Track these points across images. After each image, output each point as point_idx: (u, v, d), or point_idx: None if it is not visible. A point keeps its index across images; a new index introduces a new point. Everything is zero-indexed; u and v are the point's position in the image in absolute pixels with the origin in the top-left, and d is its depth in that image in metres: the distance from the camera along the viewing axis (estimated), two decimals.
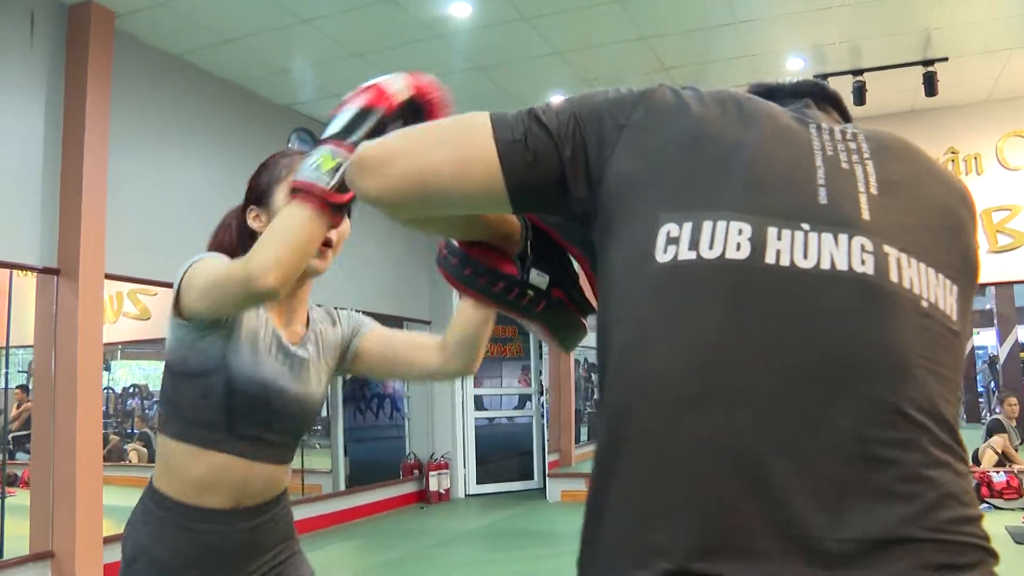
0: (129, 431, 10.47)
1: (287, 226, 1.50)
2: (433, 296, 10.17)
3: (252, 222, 1.82)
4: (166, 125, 6.68)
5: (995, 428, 9.00)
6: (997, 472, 7.92)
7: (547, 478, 9.93)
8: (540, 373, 10.78)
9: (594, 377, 15.56)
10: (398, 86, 1.50)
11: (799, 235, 0.89)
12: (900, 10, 6.53)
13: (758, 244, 0.88)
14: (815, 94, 1.13)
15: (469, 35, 6.68)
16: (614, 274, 0.95)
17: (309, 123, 8.21)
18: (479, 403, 10.65)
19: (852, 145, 1.00)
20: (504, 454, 11.13)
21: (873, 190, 0.95)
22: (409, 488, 9.70)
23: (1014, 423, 9.35)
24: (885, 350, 0.85)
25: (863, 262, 0.88)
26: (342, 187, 1.48)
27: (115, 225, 5.97)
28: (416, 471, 9.81)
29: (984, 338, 15.41)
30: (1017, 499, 7.54)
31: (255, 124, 7.54)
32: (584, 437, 13.64)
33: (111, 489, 6.26)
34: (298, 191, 1.51)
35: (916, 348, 0.86)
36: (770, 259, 0.88)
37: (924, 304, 0.89)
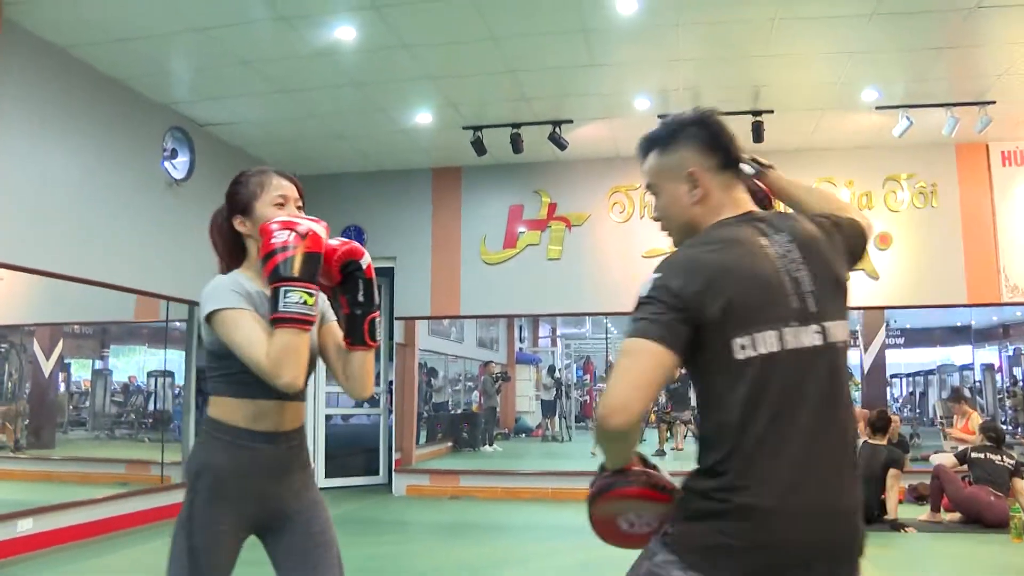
0: None
1: (294, 344, 2.11)
2: None
3: (239, 227, 2.38)
4: (48, 116, 6.82)
5: None
6: None
7: (393, 473, 10.40)
8: (387, 374, 11.23)
9: (433, 382, 16.13)
10: (322, 234, 2.19)
11: (788, 331, 1.68)
12: (736, 67, 7.47)
13: (778, 340, 1.67)
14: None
15: (352, 56, 7.15)
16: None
17: (183, 121, 8.45)
18: (331, 400, 11.00)
19: (792, 255, 1.74)
20: (352, 450, 11.50)
21: (809, 287, 1.73)
22: None
23: None
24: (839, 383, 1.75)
25: (817, 337, 1.71)
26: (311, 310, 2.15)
27: None
28: None
29: None
30: None
31: (133, 120, 7.75)
32: (423, 439, 14.19)
33: None
34: (294, 321, 2.11)
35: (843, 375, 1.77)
36: (784, 347, 1.67)
37: (840, 344, 1.74)
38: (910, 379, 21.34)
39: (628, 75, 7.72)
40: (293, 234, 2.14)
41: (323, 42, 6.85)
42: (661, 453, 13.13)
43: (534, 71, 7.55)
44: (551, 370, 18.45)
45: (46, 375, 11.25)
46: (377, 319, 2.36)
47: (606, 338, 20.50)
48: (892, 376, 21.19)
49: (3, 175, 6.24)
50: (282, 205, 2.33)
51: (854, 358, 14.07)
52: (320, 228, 2.19)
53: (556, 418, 17.51)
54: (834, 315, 1.74)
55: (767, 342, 1.65)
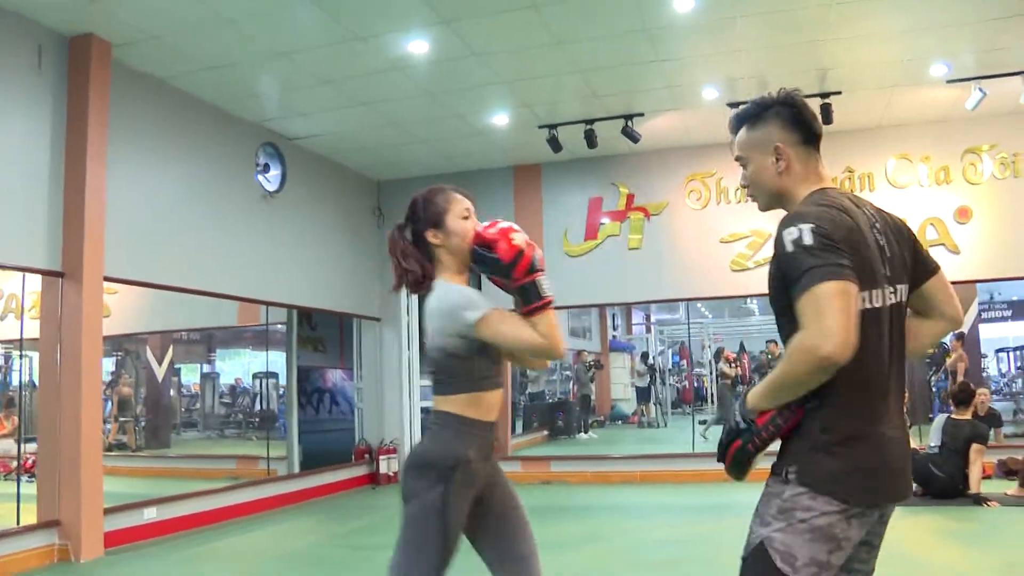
0: None
1: (555, 320, 2.48)
2: (383, 295, 11.02)
3: (432, 239, 2.63)
4: (155, 142, 7.45)
5: None
6: None
7: None
8: None
9: (528, 372, 16.51)
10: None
11: (885, 290, 2.00)
12: (800, 51, 7.58)
13: (880, 297, 1.98)
14: None
15: (426, 68, 7.55)
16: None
17: (274, 137, 9.00)
18: (425, 394, 11.45)
19: (876, 225, 2.05)
20: None
21: (889, 253, 2.04)
22: (361, 471, 10.52)
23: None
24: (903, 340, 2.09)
25: (892, 296, 2.02)
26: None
27: (113, 233, 6.72)
28: (367, 455, 10.64)
29: None
30: None
31: (228, 139, 8.34)
32: (520, 429, 14.55)
33: None
34: (550, 303, 2.48)
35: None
36: (884, 303, 2.00)
37: (906, 303, 2.10)
38: (1017, 353, 20.65)
39: (693, 68, 7.90)
40: (522, 234, 2.52)
41: (396, 56, 7.26)
42: None
43: (601, 70, 7.82)
44: (644, 357, 18.61)
45: (159, 380, 12.04)
46: (540, 279, 2.50)
47: (686, 323, 20.46)
48: (999, 351, 20.71)
49: (115, 198, 6.84)
50: (467, 218, 2.63)
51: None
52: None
53: (651, 404, 17.66)
54: (901, 279, 2.08)
55: (874, 297, 1.96)
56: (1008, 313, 19.70)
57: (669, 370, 21.30)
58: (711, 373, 19.23)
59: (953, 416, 7.76)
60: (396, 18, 6.65)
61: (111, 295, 9.53)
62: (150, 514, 7.16)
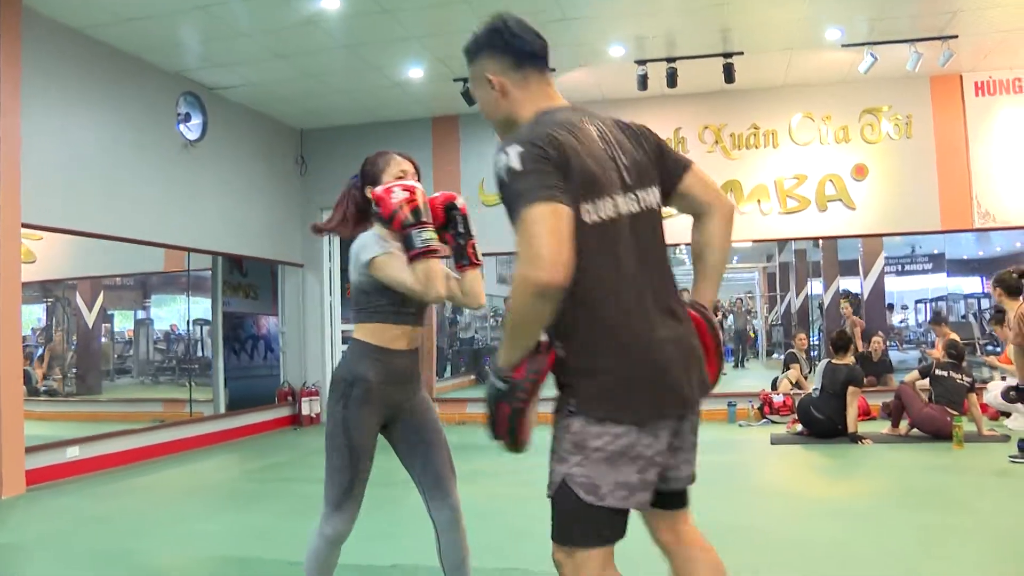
0: None
1: (433, 268, 2.77)
2: (305, 241, 11.28)
3: (370, 195, 2.98)
4: (72, 91, 7.59)
5: (790, 360, 10.76)
6: (776, 394, 9.66)
7: None
8: None
9: (458, 319, 16.90)
10: (420, 189, 2.84)
11: (619, 199, 1.96)
12: (706, 11, 7.93)
13: (612, 207, 1.94)
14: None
15: (339, 22, 7.77)
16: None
17: (195, 87, 9.14)
18: (346, 337, 11.76)
19: (610, 136, 2.04)
20: None
21: (626, 162, 2.02)
22: (283, 412, 10.90)
23: (804, 355, 11.15)
24: (657, 238, 2.07)
25: (634, 204, 1.99)
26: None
27: (29, 181, 6.90)
28: (290, 397, 11.00)
29: (814, 286, 17.33)
30: (788, 415, 9.25)
31: (148, 88, 8.48)
32: (448, 372, 14.95)
33: None
34: (428, 252, 2.76)
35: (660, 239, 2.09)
36: (619, 212, 1.95)
37: (654, 207, 2.06)
38: (932, 304, 21.46)
39: (600, 26, 8.22)
40: (405, 192, 2.79)
41: (311, 11, 7.50)
42: None
43: None
44: None
45: (89, 326, 12.17)
46: (476, 244, 2.99)
47: None
48: (918, 302, 21.55)
49: (35, 149, 7.01)
50: (401, 178, 2.94)
51: (854, 285, 14.58)
52: (419, 186, 2.85)
53: None
54: (646, 184, 2.05)
55: (603, 208, 1.92)
56: (929, 266, 20.48)
57: None
58: None
59: (833, 361, 8.30)
60: None
61: (36, 241, 9.67)
62: (72, 453, 7.45)
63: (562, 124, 1.97)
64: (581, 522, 1.97)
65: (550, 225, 1.77)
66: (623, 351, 1.92)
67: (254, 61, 8.57)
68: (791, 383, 10.23)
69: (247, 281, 11.43)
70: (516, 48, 2.13)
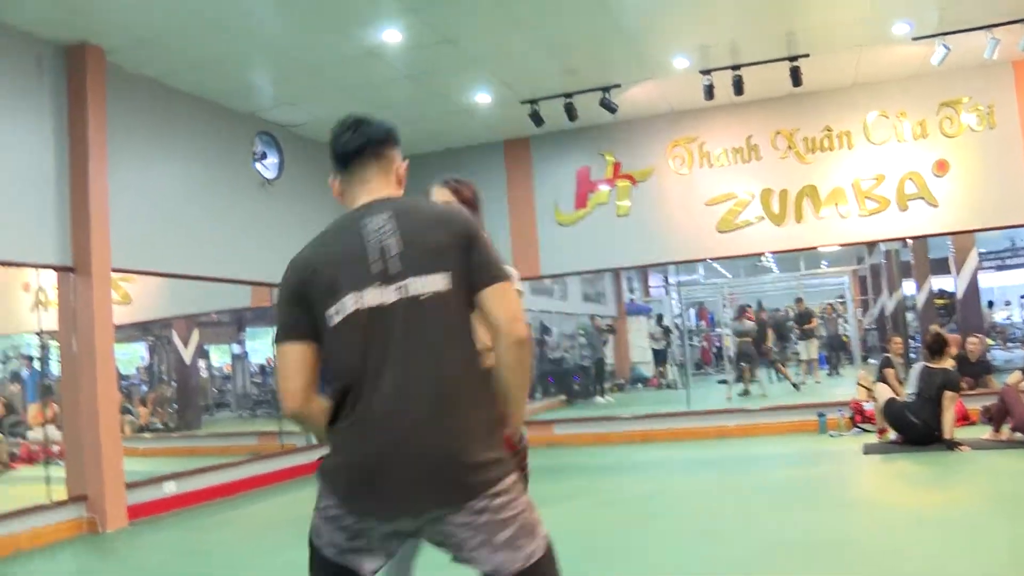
0: None
1: None
2: None
3: None
4: (152, 138, 7.94)
5: (884, 365, 10.42)
6: (867, 402, 9.38)
7: None
8: None
9: (547, 339, 16.93)
10: None
11: (368, 292, 1.96)
12: (768, 16, 7.84)
13: (354, 302, 1.96)
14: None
15: (401, 54, 7.94)
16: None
17: (269, 126, 9.44)
18: None
19: (386, 227, 2.02)
20: None
21: (398, 251, 1.99)
22: None
23: (900, 359, 10.81)
24: (420, 329, 1.98)
25: (395, 294, 1.96)
26: None
27: (117, 227, 7.23)
28: None
29: (907, 287, 16.79)
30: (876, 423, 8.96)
31: (224, 130, 8.80)
32: (539, 394, 14.95)
33: None
34: None
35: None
36: (365, 306, 1.96)
37: (423, 296, 1.97)
38: None
39: (662, 38, 8.22)
40: None
41: (372, 44, 7.67)
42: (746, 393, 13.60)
43: (570, 46, 8.17)
44: (659, 319, 18.88)
45: (187, 362, 12.63)
46: None
47: (705, 283, 20.61)
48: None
49: (119, 194, 7.32)
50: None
51: (948, 284, 14.08)
52: None
53: (667, 366, 17.95)
54: (424, 271, 2.00)
55: (344, 308, 1.97)
56: None
57: (694, 330, 21.50)
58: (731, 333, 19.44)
59: (928, 365, 8.03)
60: (365, 9, 7.03)
61: (131, 284, 10.11)
62: (170, 488, 7.71)
63: (327, 231, 2.13)
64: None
65: (283, 365, 2.04)
66: (338, 447, 2.02)
67: (323, 97, 8.80)
68: (866, 390, 9.81)
69: None
70: (334, 150, 2.22)
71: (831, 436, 9.21)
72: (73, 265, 6.95)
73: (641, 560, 4.75)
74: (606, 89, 9.16)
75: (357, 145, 2.19)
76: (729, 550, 4.72)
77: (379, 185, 2.19)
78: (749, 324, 14.76)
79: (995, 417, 7.91)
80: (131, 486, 7.15)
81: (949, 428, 7.65)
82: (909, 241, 13.22)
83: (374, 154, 2.20)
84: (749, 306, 16.06)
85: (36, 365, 11.46)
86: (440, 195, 3.00)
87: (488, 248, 2.08)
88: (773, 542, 4.88)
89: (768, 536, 5.04)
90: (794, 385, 13.99)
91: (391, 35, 7.48)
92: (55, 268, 6.97)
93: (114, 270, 7.23)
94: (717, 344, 21.12)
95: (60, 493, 6.85)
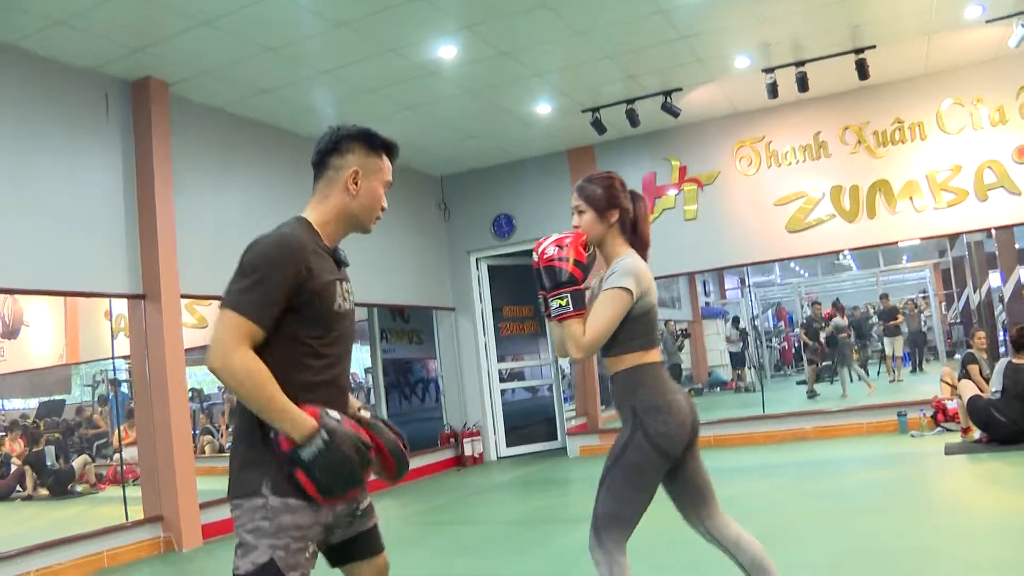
0: (194, 430, 11.90)
1: (561, 332, 2.83)
2: (454, 284, 11.55)
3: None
4: (217, 165, 8.11)
5: (968, 360, 10.04)
6: (950, 400, 9.04)
7: (567, 437, 11.24)
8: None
9: None
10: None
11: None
12: (829, 10, 7.63)
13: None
14: None
15: (459, 69, 7.97)
16: None
17: None
18: (504, 376, 11.88)
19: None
20: (533, 420, 12.21)
21: None
22: (447, 455, 11.09)
23: (984, 354, 10.41)
24: None
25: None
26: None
27: (185, 253, 7.39)
28: (452, 439, 11.19)
29: (993, 279, 16.21)
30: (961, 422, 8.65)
31: (286, 155, 8.90)
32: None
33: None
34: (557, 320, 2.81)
35: None
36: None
37: None
38: None
39: (720, 39, 8.06)
40: (551, 248, 2.84)
41: (429, 61, 7.70)
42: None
43: (627, 52, 8.06)
44: (735, 322, 18.59)
45: None
46: (550, 298, 2.81)
47: (782, 283, 20.20)
48: None
49: (186, 222, 7.50)
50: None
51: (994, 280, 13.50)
52: (569, 237, 2.84)
53: (745, 369, 17.65)
54: None
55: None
56: None
57: (772, 332, 21.13)
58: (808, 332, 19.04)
59: (1014, 360, 7.74)
60: (420, 28, 7.07)
61: (206, 307, 10.35)
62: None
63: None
64: None
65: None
66: None
67: (385, 116, 8.87)
68: (950, 387, 9.44)
69: (410, 327, 11.82)
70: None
71: (912, 436, 8.92)
72: (143, 292, 7.14)
73: (710, 570, 4.65)
74: (667, 93, 9.06)
75: (314, 162, 2.48)
76: (800, 557, 4.58)
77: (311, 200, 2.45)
78: (841, 321, 14.54)
79: None
80: (205, 505, 7.28)
81: None
82: (993, 231, 12.72)
83: (314, 165, 2.47)
84: (833, 304, 15.78)
85: (123, 388, 11.84)
86: (573, 202, 3.02)
87: (235, 274, 2.26)
88: (845, 549, 4.73)
89: (840, 543, 4.88)
90: (868, 384, 13.61)
91: (447, 51, 7.51)
92: (126, 296, 7.15)
93: (183, 296, 7.38)
94: (796, 344, 20.68)
95: (138, 513, 7.03)
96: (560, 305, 2.77)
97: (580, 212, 2.94)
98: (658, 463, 2.77)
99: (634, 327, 2.83)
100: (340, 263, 2.45)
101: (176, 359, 7.16)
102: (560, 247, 2.80)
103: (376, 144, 2.48)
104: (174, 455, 6.97)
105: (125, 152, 7.19)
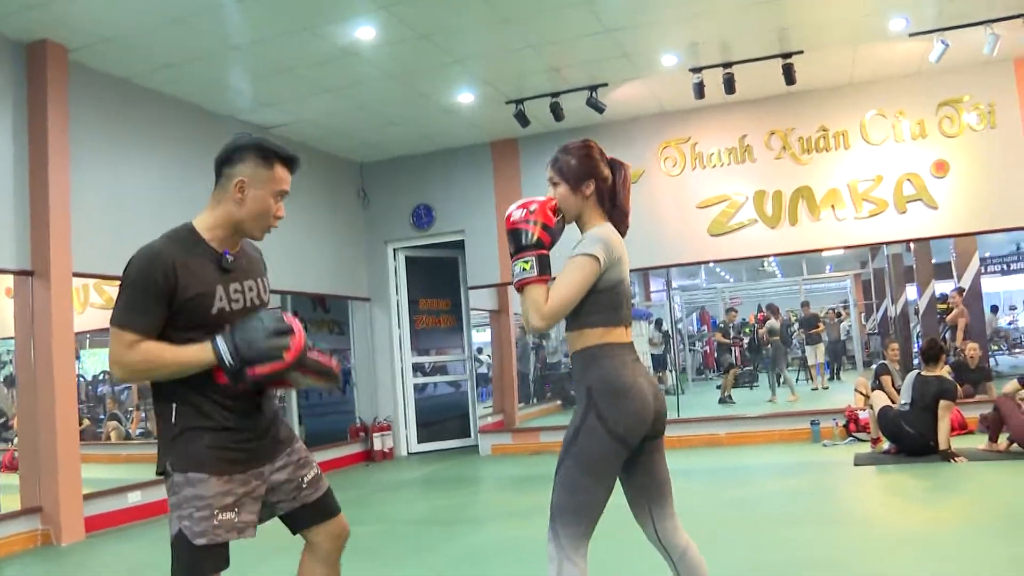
0: (101, 415, 11.39)
1: (523, 299, 2.63)
2: (370, 274, 11.25)
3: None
4: (120, 139, 7.67)
5: (880, 371, 10.09)
6: (863, 410, 9.06)
7: (480, 435, 11.02)
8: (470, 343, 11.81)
9: (545, 344, 16.63)
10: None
11: None
12: (759, 12, 7.55)
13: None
14: None
15: (377, 52, 7.68)
16: None
17: (248, 128, 9.18)
18: (418, 370, 11.61)
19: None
20: (445, 416, 11.93)
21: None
22: (356, 448, 10.78)
23: (897, 366, 10.49)
24: None
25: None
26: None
27: (80, 229, 6.97)
28: (362, 433, 10.89)
29: (910, 292, 16.47)
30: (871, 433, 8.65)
31: (199, 133, 8.50)
32: (534, 400, 14.68)
33: (94, 465, 7.24)
34: (518, 286, 2.64)
35: None
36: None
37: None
38: None
39: (648, 35, 7.92)
40: (518, 211, 2.74)
41: (347, 42, 7.41)
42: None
43: (552, 44, 7.87)
44: (658, 324, 18.60)
45: None
46: (514, 262, 2.66)
47: (706, 287, 20.33)
48: None
49: (82, 197, 7.08)
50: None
51: (950, 288, 13.73)
52: (536, 202, 2.76)
53: (667, 372, 17.66)
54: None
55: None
56: None
57: (695, 335, 21.23)
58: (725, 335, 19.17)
59: (923, 373, 7.74)
60: (336, 5, 6.77)
61: (112, 286, 9.84)
62: (135, 498, 7.44)
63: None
64: None
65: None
66: None
67: (301, 97, 8.55)
68: (864, 397, 9.48)
69: (330, 317, 11.49)
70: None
71: (824, 446, 8.91)
72: (31, 268, 6.70)
73: None
74: (593, 88, 8.90)
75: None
76: (709, 568, 4.42)
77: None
78: (775, 324, 14.62)
79: (991, 427, 7.59)
80: (90, 496, 6.87)
81: (944, 438, 7.34)
82: (911, 245, 12.90)
83: (215, 173, 2.56)
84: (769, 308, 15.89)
85: None
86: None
87: (120, 291, 2.38)
88: (754, 561, 4.59)
89: (745, 555, 4.74)
90: (792, 393, 13.68)
91: (365, 32, 7.22)
92: (13, 272, 6.70)
93: (75, 274, 6.96)
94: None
95: (15, 503, 6.60)
96: (523, 269, 2.62)
97: (554, 184, 2.82)
98: (613, 450, 2.57)
99: (598, 299, 2.65)
100: (225, 269, 2.50)
101: (64, 340, 6.74)
102: (527, 210, 2.69)
103: (268, 155, 2.51)
104: (56, 443, 6.55)
105: (16, 119, 6.74)
